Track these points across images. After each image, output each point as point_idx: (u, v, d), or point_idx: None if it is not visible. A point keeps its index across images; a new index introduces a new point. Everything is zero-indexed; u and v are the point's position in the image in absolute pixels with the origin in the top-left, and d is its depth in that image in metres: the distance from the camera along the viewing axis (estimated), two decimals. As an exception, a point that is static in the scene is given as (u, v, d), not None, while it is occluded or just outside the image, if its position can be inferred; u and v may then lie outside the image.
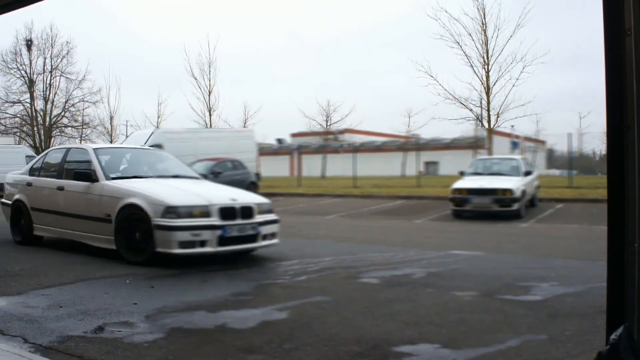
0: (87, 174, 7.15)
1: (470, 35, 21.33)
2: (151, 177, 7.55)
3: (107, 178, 7.09)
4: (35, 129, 32.50)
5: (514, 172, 14.37)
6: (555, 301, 4.97)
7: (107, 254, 6.73)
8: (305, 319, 4.31)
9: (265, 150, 44.39)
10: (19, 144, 30.67)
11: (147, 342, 3.68)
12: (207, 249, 6.30)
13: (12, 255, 7.32)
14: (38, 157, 8.96)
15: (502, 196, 12.87)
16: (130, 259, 6.41)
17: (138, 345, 3.60)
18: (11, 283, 5.44)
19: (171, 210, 6.23)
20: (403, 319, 4.34)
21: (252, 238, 6.70)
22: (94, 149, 7.77)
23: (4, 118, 32.64)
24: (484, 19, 21.24)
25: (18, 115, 32.83)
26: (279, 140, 51.58)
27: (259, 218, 6.77)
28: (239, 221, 6.53)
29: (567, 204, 16.13)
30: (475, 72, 21.60)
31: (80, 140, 34.44)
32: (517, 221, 12.40)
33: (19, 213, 8.20)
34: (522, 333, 3.97)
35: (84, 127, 33.15)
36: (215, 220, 6.34)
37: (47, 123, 32.46)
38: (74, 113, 33.07)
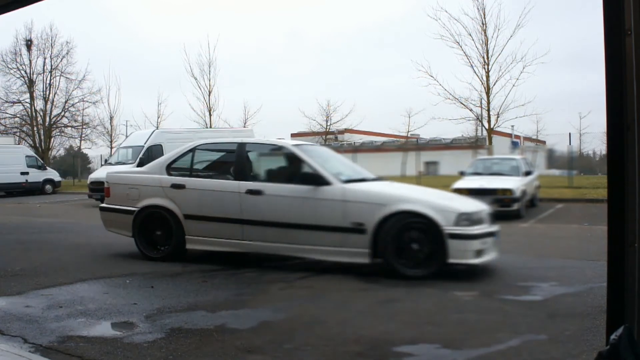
0: (313, 177, 6.08)
1: (470, 35, 21.38)
2: (370, 179, 6.60)
3: (341, 181, 6.13)
4: (35, 129, 32.51)
5: (514, 172, 14.37)
6: (555, 301, 4.97)
7: (107, 254, 6.73)
8: (305, 319, 4.31)
9: (265, 150, 44.33)
10: (18, 144, 30.68)
11: (147, 342, 3.68)
12: (487, 258, 5.74)
13: (12, 255, 7.31)
14: (178, 153, 7.10)
15: (502, 196, 12.86)
16: (407, 273, 5.57)
17: (138, 345, 3.60)
18: (11, 283, 5.44)
19: (464, 218, 5.59)
20: (403, 319, 4.34)
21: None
22: (296, 145, 6.73)
23: (4, 118, 32.73)
24: (484, 19, 21.28)
25: (18, 115, 32.91)
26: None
27: None
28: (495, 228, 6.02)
29: (567, 204, 16.12)
30: (475, 72, 21.65)
31: (80, 141, 34.53)
32: (517, 221, 12.39)
33: (157, 222, 6.65)
34: (522, 333, 3.96)
35: (84, 127, 33.22)
36: (491, 227, 5.89)
37: (47, 123, 32.47)
38: (73, 113, 33.14)
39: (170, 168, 6.85)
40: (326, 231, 5.90)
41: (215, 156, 7.24)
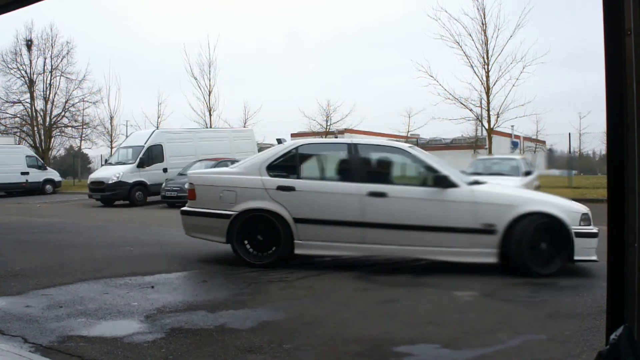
0: (440, 179, 6.03)
1: (470, 35, 21.37)
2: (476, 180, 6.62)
3: (467, 183, 6.17)
4: (35, 129, 32.51)
5: (514, 172, 14.35)
6: (555, 301, 4.98)
7: (107, 254, 6.73)
8: (305, 319, 4.31)
9: (265, 150, 44.34)
10: (19, 143, 30.69)
11: (147, 342, 3.68)
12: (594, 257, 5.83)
13: (12, 255, 7.32)
14: (276, 153, 6.65)
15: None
16: (540, 272, 5.70)
17: (138, 345, 3.60)
18: (11, 283, 5.44)
19: (585, 217, 5.87)
20: (403, 319, 4.34)
21: None
22: (410, 147, 6.71)
23: (4, 118, 32.72)
24: (484, 19, 21.28)
25: (18, 115, 32.89)
26: (279, 140, 51.51)
27: None
28: None
29: (567, 204, 16.10)
30: (475, 72, 21.63)
31: (80, 141, 34.55)
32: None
33: (259, 227, 6.26)
34: (522, 333, 3.97)
35: (84, 127, 33.22)
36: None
37: (47, 123, 32.47)
38: (74, 113, 33.14)
39: (270, 169, 6.43)
40: (455, 232, 5.91)
41: (322, 157, 6.96)
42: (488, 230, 5.78)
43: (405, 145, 6.96)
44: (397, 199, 6.03)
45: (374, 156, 6.75)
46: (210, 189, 6.50)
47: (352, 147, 6.45)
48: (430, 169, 6.25)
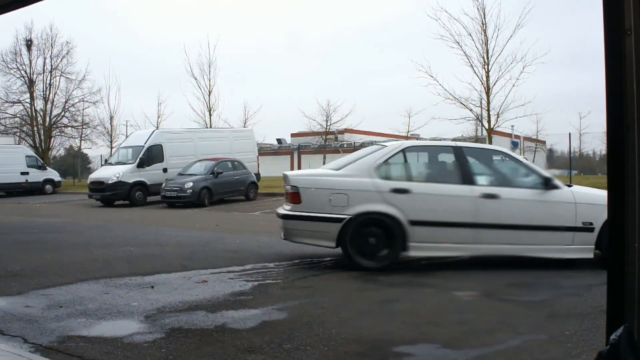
0: (546, 181, 6.35)
1: (470, 35, 21.31)
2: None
3: (566, 185, 6.61)
4: (35, 129, 32.50)
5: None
6: (555, 301, 4.98)
7: (107, 254, 6.73)
8: (305, 319, 4.30)
9: (265, 150, 44.37)
10: (19, 144, 30.69)
11: (147, 342, 3.68)
12: None
13: (12, 255, 7.32)
14: (384, 155, 6.53)
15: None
16: None
17: (138, 345, 3.60)
18: (11, 283, 5.44)
19: None
20: (403, 319, 4.34)
21: None
22: (511, 150, 6.93)
23: (4, 118, 32.71)
24: (484, 19, 21.22)
25: (18, 115, 32.89)
26: (279, 140, 51.57)
27: None
28: None
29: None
30: (475, 72, 21.59)
31: (80, 141, 34.55)
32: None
33: (372, 230, 6.20)
34: (522, 333, 3.97)
35: (84, 127, 33.21)
36: None
37: (47, 123, 32.46)
38: (74, 113, 33.13)
39: (379, 171, 6.38)
40: (560, 231, 6.25)
41: (429, 158, 7.04)
42: (587, 228, 6.17)
43: (505, 148, 7.30)
44: (508, 200, 6.27)
45: (479, 158, 6.85)
46: (318, 192, 6.33)
47: (457, 150, 6.63)
48: (532, 170, 6.65)
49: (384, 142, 7.72)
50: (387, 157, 6.50)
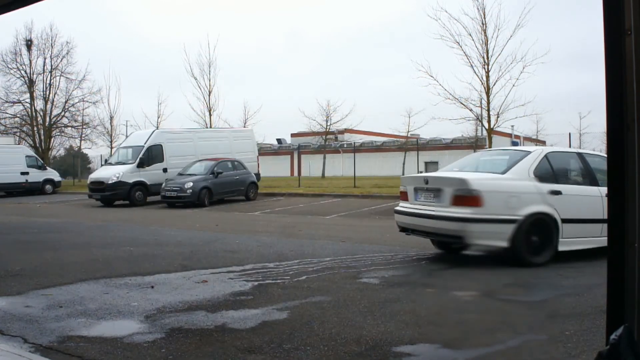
0: None
1: (470, 35, 21.29)
2: None
3: None
4: (35, 129, 32.51)
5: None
6: (555, 301, 4.97)
7: (107, 254, 6.73)
8: (305, 319, 4.30)
9: (265, 150, 44.39)
10: (19, 144, 30.69)
11: (147, 342, 3.68)
12: None
13: (12, 255, 7.32)
14: (534, 159, 7.15)
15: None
16: None
17: (138, 345, 3.60)
18: (11, 283, 5.45)
19: None
20: (403, 319, 4.34)
21: None
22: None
23: (4, 118, 32.74)
24: (484, 19, 21.20)
25: (18, 115, 32.91)
26: (279, 140, 51.60)
27: None
28: None
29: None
30: (475, 72, 21.57)
31: (80, 141, 34.55)
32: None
33: (536, 228, 6.64)
34: (522, 333, 3.97)
35: (84, 127, 33.22)
36: None
37: (47, 123, 32.47)
38: (74, 113, 33.15)
39: (534, 174, 6.94)
40: None
41: (566, 163, 7.72)
42: None
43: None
44: None
45: (598, 163, 7.44)
46: (498, 195, 6.71)
47: (580, 156, 7.60)
48: None
49: (506, 147, 8.53)
50: (538, 161, 7.14)
